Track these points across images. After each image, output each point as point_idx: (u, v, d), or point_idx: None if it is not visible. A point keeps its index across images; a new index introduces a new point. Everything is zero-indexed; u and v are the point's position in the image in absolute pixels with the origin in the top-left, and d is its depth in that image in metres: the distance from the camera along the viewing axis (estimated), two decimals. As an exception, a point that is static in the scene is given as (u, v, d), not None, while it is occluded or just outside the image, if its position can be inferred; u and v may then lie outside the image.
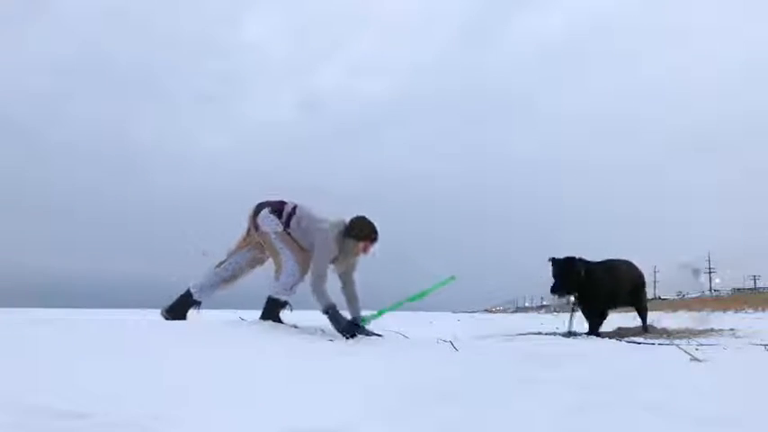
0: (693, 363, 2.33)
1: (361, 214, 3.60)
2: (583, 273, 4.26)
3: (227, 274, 3.67)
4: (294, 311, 3.65)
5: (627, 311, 4.99)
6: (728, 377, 2.03)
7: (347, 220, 3.60)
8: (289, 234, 3.57)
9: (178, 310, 3.58)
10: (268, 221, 3.57)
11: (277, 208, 3.61)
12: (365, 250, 3.56)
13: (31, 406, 1.21)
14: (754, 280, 49.04)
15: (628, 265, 4.71)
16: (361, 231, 3.52)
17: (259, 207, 3.64)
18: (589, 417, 1.31)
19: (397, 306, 3.66)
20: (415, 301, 3.72)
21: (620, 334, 4.36)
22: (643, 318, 4.75)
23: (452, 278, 3.75)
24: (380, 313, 3.58)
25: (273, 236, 3.55)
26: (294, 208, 3.61)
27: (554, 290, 4.32)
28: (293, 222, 3.56)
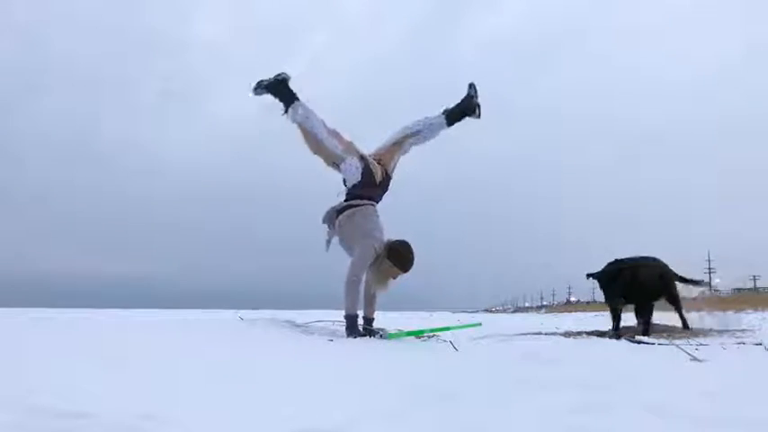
0: (693, 363, 2.33)
1: (406, 241, 3.59)
2: (628, 272, 4.35)
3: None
4: (293, 311, 3.68)
5: (628, 311, 5.00)
6: (728, 377, 2.03)
7: (390, 239, 3.60)
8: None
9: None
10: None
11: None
12: (394, 276, 3.59)
13: (32, 406, 1.21)
14: (754, 280, 48.93)
15: (658, 261, 4.77)
16: (398, 260, 3.52)
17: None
18: (589, 417, 1.30)
19: (420, 333, 3.74)
20: (436, 332, 3.83)
21: (620, 334, 4.36)
22: (679, 312, 4.75)
23: (478, 324, 4.33)
24: (407, 334, 3.64)
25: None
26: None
27: (609, 300, 4.53)
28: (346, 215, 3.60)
